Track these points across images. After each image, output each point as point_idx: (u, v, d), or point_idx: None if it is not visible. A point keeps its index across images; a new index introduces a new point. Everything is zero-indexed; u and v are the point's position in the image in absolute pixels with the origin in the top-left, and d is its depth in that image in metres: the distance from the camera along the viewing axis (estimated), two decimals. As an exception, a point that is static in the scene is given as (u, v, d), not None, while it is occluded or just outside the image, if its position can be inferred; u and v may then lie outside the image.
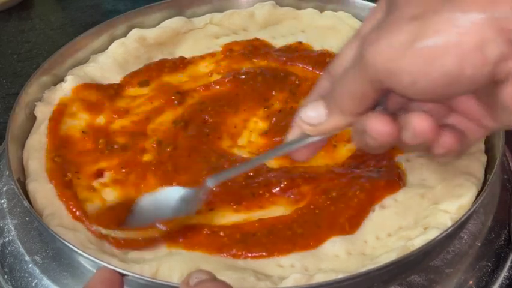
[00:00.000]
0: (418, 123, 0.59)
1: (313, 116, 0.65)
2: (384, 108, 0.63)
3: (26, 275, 0.81)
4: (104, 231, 0.78)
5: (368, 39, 0.58)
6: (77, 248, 0.72)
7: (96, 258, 0.71)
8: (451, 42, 0.53)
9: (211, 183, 0.78)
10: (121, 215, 0.81)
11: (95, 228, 0.78)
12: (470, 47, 0.52)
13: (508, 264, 0.81)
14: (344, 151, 0.89)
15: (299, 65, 1.04)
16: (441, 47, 0.53)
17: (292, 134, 0.70)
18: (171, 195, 0.81)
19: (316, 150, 0.72)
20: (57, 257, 0.81)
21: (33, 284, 0.80)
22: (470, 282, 0.78)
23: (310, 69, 1.03)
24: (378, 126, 0.61)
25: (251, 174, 0.84)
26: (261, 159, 0.81)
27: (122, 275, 0.69)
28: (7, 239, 0.85)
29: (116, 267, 0.70)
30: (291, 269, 0.74)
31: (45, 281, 0.79)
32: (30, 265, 0.81)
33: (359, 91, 0.60)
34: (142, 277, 0.70)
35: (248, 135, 0.93)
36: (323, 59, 1.04)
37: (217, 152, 0.89)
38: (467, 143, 0.65)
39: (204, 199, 0.79)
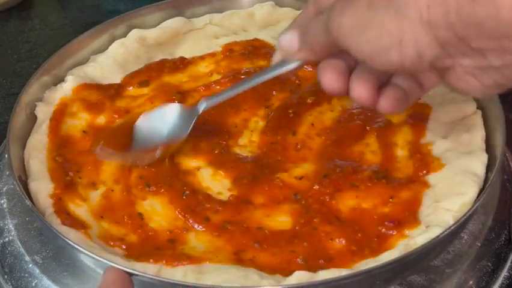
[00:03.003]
0: (356, 89, 0.69)
1: (286, 44, 0.73)
2: None
3: (26, 275, 0.81)
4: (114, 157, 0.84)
5: (335, 9, 0.65)
6: (82, 247, 0.72)
7: (101, 257, 0.72)
8: (394, 41, 0.60)
9: (202, 106, 0.84)
10: (124, 139, 0.86)
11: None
12: (409, 50, 0.60)
13: (508, 264, 0.81)
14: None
15: None
16: (385, 44, 0.61)
17: (276, 57, 0.77)
18: (166, 116, 0.86)
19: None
20: (58, 257, 0.81)
21: (33, 284, 0.80)
22: (470, 282, 0.78)
23: (310, 69, 1.03)
24: (327, 79, 0.71)
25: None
26: (249, 82, 0.84)
27: (130, 274, 0.69)
28: (7, 239, 0.85)
29: (121, 265, 0.70)
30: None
31: (45, 281, 0.79)
32: (30, 265, 0.81)
33: (325, 42, 0.68)
34: (149, 276, 0.70)
35: (249, 134, 0.94)
36: None
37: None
38: (408, 101, 0.73)
39: (194, 124, 0.85)
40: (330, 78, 0.71)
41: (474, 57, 0.60)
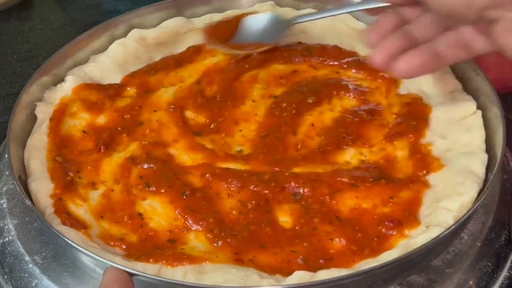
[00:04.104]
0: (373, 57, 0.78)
1: None
2: None
3: (26, 275, 0.81)
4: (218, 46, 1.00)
5: None
6: (82, 247, 0.73)
7: (101, 257, 0.72)
8: None
9: (294, 20, 0.99)
10: (229, 33, 1.02)
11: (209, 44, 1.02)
12: None
13: (508, 264, 0.81)
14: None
15: None
16: None
17: None
18: (263, 21, 1.02)
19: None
20: (57, 257, 0.81)
21: (33, 284, 0.80)
22: (470, 282, 0.78)
23: None
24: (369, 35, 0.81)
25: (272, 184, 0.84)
26: (336, 11, 0.98)
27: (130, 274, 0.69)
28: (7, 239, 0.85)
29: (122, 265, 0.70)
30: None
31: (45, 281, 0.80)
32: (30, 265, 0.81)
33: None
34: (149, 276, 0.70)
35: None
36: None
37: None
38: (434, 66, 0.77)
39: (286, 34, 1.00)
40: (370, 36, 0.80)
41: None
